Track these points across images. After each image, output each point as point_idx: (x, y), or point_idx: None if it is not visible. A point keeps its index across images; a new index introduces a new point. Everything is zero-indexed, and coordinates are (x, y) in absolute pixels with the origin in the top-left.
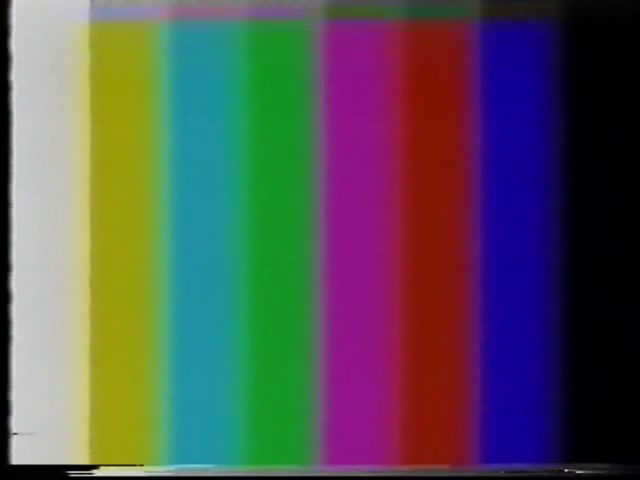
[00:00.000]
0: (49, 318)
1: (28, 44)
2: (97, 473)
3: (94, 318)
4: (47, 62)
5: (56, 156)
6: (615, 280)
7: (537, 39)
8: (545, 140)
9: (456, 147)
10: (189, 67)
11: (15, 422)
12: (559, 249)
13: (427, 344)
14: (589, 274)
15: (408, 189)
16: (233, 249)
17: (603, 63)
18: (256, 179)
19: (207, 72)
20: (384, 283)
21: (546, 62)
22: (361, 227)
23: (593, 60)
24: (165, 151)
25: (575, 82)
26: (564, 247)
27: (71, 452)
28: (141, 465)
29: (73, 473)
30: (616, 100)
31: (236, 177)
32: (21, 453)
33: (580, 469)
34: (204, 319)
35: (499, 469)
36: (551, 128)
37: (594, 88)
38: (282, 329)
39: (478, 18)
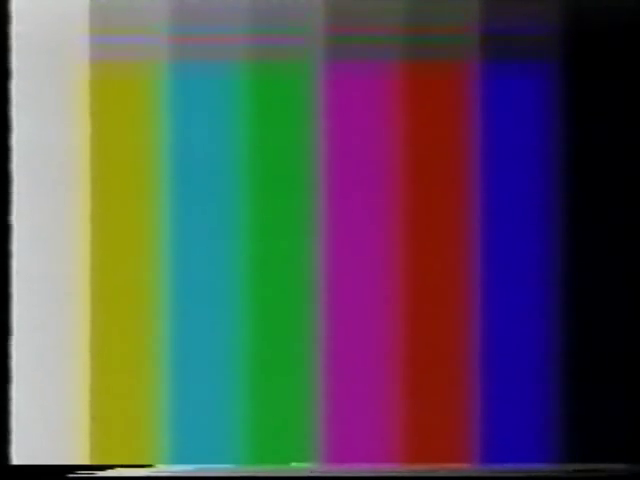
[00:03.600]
0: (50, 318)
1: (28, 45)
2: (97, 473)
3: (95, 318)
4: (47, 63)
5: (56, 157)
6: (614, 282)
7: (538, 79)
8: (546, 160)
9: (458, 183)
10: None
11: (15, 422)
12: (558, 253)
13: (428, 344)
14: (589, 275)
15: (409, 205)
16: (233, 251)
17: (605, 101)
18: (257, 203)
19: (207, 103)
20: (385, 283)
21: (547, 102)
22: (361, 232)
23: (595, 96)
24: (166, 157)
25: (577, 120)
26: (562, 252)
27: (71, 452)
28: (141, 465)
29: (73, 473)
30: (618, 135)
31: (237, 200)
32: (21, 453)
33: (580, 469)
34: (205, 319)
35: (499, 469)
36: (553, 167)
37: (594, 126)
38: (283, 329)
39: (478, 58)
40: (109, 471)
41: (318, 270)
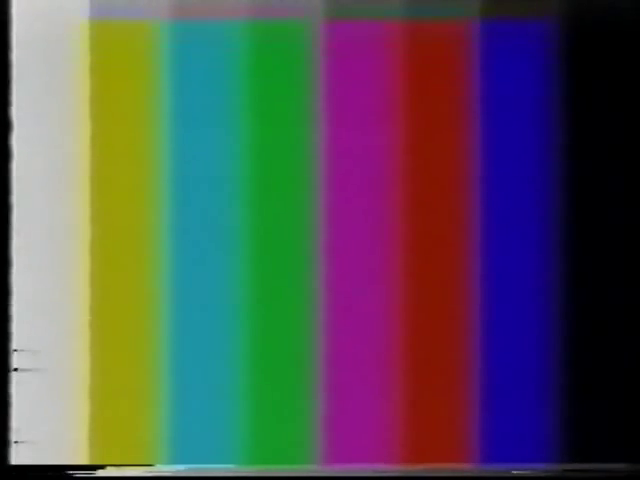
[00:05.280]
0: (49, 318)
1: (28, 42)
2: (97, 473)
3: (95, 318)
4: (47, 60)
5: (56, 155)
6: (614, 282)
7: (537, 37)
8: (545, 140)
9: (456, 148)
10: (189, 66)
11: (15, 422)
12: (558, 252)
13: (427, 343)
14: (589, 275)
15: (408, 190)
16: (234, 250)
17: (603, 61)
18: (256, 181)
19: (207, 71)
20: (385, 284)
21: (546, 60)
22: (361, 227)
23: (593, 59)
24: (165, 151)
25: (575, 80)
26: (563, 250)
27: (71, 452)
28: (141, 465)
29: (73, 473)
30: (616, 98)
31: (236, 179)
32: (21, 453)
33: (580, 469)
34: (205, 319)
35: (499, 469)
36: (551, 128)
37: (594, 86)
38: (283, 329)
39: (478, 17)
40: (109, 471)
41: (318, 269)
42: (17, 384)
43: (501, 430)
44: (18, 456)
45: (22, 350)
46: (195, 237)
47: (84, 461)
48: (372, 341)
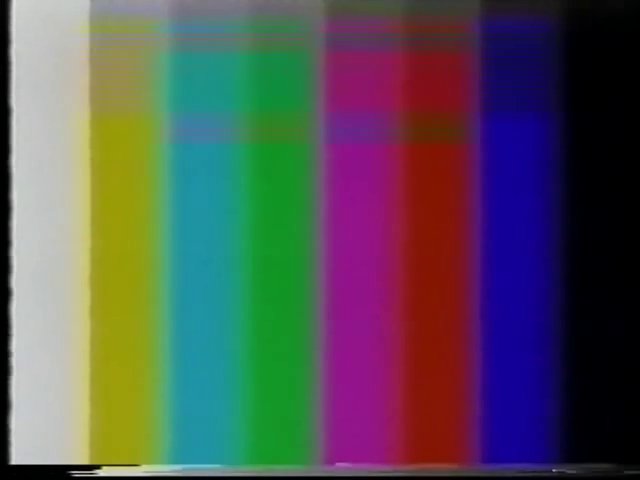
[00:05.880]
0: (49, 318)
1: (28, 43)
2: (97, 473)
3: (95, 318)
4: (47, 60)
5: (56, 157)
6: (613, 283)
7: (537, 126)
8: (547, 161)
9: (456, 176)
10: (190, 67)
11: (15, 422)
12: (557, 256)
13: (428, 344)
14: (588, 277)
15: (406, 217)
16: (233, 253)
17: (605, 61)
18: (256, 253)
19: (208, 81)
20: (385, 285)
21: (546, 148)
22: (360, 233)
23: (593, 144)
24: (165, 155)
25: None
26: (561, 253)
27: (71, 452)
28: (141, 465)
29: (73, 473)
30: (618, 117)
31: (236, 252)
32: (21, 453)
33: (580, 469)
34: (205, 319)
35: (499, 469)
36: (552, 162)
37: (595, 121)
38: (283, 329)
39: (478, 49)
40: (109, 471)
41: (319, 272)
42: (17, 384)
43: (501, 430)
44: (18, 456)
45: (22, 350)
46: (195, 242)
47: (84, 461)
48: (372, 341)
